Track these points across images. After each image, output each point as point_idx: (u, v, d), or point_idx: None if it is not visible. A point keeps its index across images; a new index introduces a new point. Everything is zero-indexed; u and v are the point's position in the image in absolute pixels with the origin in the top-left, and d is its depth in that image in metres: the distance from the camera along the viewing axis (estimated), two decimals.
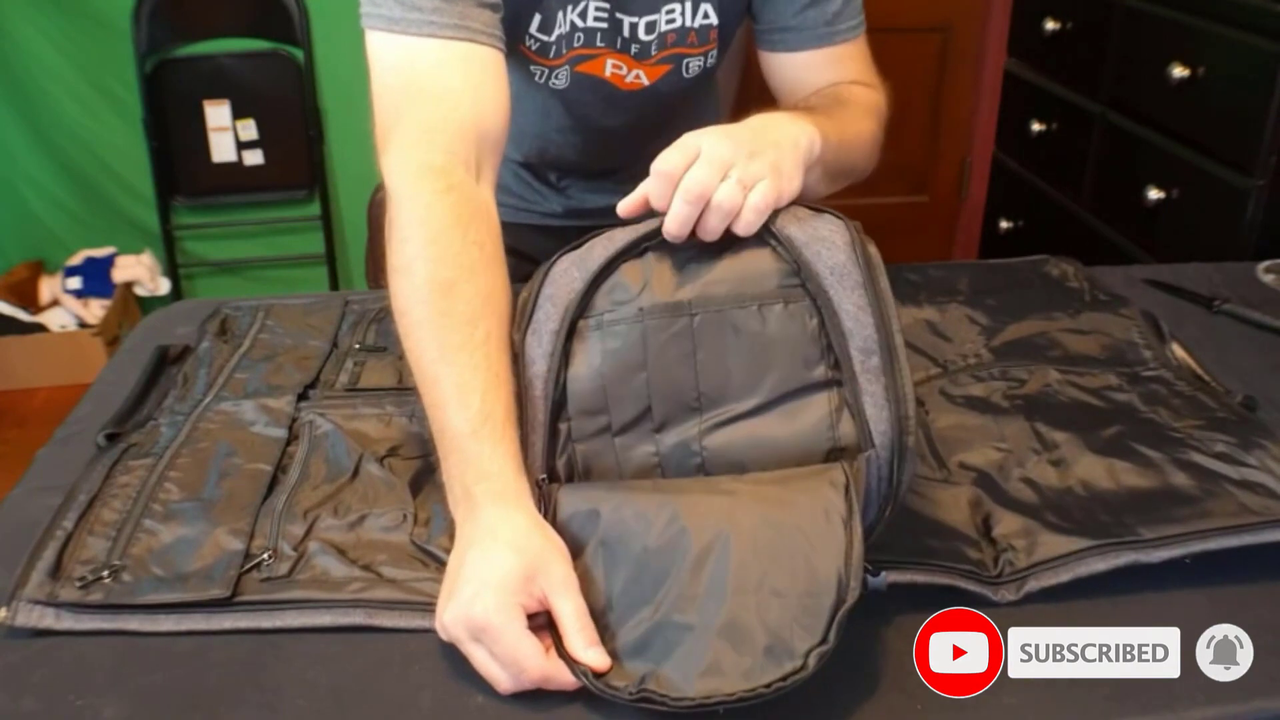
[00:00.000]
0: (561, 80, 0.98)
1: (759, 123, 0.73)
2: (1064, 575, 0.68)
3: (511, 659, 0.59)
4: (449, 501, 0.69)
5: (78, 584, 0.67)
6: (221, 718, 0.59)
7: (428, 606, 0.66)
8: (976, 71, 2.62)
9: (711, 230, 0.68)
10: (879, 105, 0.95)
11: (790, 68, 0.98)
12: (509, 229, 1.25)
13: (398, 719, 0.60)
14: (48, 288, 2.57)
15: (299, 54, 2.46)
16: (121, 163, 2.51)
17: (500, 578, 0.61)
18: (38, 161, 2.48)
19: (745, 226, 0.68)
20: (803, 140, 0.73)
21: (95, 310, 2.52)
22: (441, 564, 0.69)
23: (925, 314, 1.00)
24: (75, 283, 2.54)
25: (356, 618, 0.66)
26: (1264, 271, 1.18)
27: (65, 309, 2.53)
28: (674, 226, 0.68)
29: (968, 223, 2.75)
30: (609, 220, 1.28)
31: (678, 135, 0.79)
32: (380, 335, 0.98)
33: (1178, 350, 0.95)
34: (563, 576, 0.62)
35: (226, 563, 0.69)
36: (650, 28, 0.94)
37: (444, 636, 0.63)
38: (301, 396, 0.88)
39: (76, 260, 2.57)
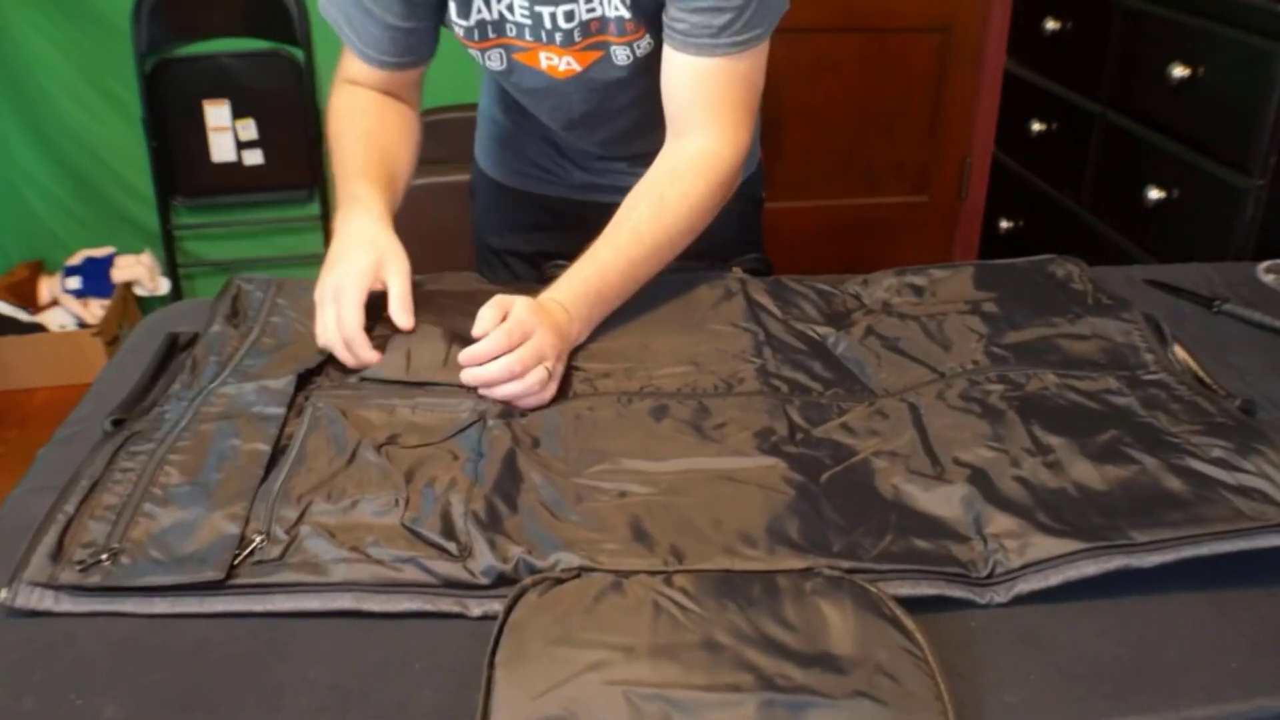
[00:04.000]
0: (496, 62, 1.05)
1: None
2: (1054, 578, 0.68)
3: (343, 317, 0.89)
4: (335, 224, 0.97)
5: (77, 566, 0.67)
6: (222, 717, 0.59)
7: (415, 589, 0.67)
8: (976, 71, 2.62)
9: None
10: (712, 172, 1.01)
11: (669, 62, 1.00)
12: (535, 200, 1.32)
13: (398, 718, 0.60)
14: (47, 288, 2.57)
15: (299, 54, 2.47)
16: (121, 163, 2.51)
17: (358, 264, 0.91)
18: (38, 161, 2.48)
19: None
20: (570, 336, 0.93)
21: (95, 310, 2.52)
22: (431, 544, 0.70)
23: (925, 322, 1.00)
24: (75, 283, 2.54)
25: (344, 602, 0.66)
26: (1264, 271, 1.18)
27: (65, 309, 2.53)
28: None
29: (968, 223, 2.75)
30: (621, 197, 1.28)
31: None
32: (388, 326, 0.98)
33: (1179, 353, 0.95)
34: (399, 267, 0.92)
35: (222, 546, 0.69)
36: (569, 16, 0.98)
37: (316, 298, 0.92)
38: (303, 378, 0.89)
39: (76, 260, 2.57)
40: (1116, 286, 1.09)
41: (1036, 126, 2.03)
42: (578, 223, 1.22)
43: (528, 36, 1.01)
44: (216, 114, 2.51)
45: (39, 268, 2.60)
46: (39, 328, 2.47)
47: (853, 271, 1.12)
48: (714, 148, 1.01)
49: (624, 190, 1.22)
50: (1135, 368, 0.92)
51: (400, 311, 0.91)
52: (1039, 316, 1.00)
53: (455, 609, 0.67)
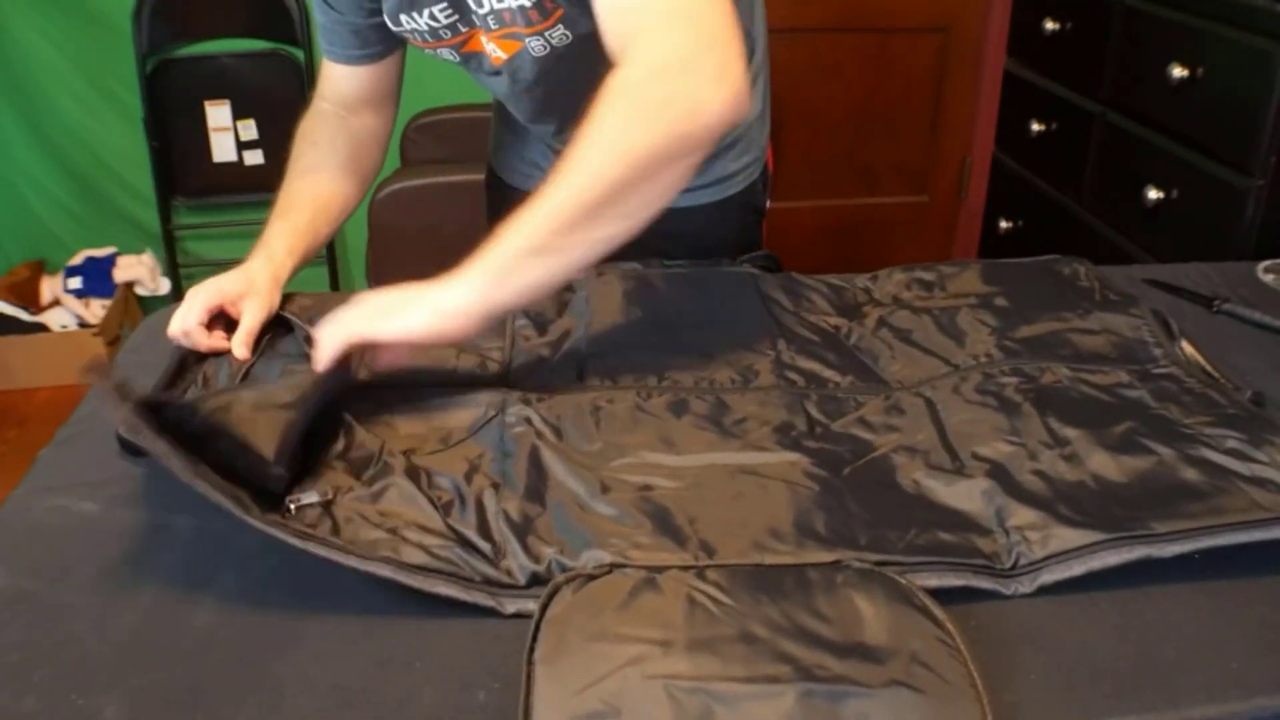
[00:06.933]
0: (449, 55, 1.06)
1: (415, 290, 0.82)
2: (1077, 568, 0.68)
3: (184, 313, 0.97)
4: None
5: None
6: (222, 717, 0.59)
7: (452, 576, 0.68)
8: (976, 71, 2.62)
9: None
10: (628, 88, 0.78)
11: None
12: None
13: (399, 717, 0.60)
14: (48, 288, 2.57)
15: (299, 54, 2.47)
16: (122, 163, 2.51)
17: (222, 282, 1.01)
18: (38, 161, 2.49)
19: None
20: (450, 302, 0.80)
21: (96, 310, 2.52)
22: (468, 543, 0.71)
23: (937, 315, 1.00)
24: (76, 283, 2.54)
25: (384, 571, 0.66)
26: (1264, 271, 1.18)
27: (66, 309, 2.54)
28: None
29: (968, 223, 2.75)
30: None
31: None
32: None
33: (1187, 348, 0.96)
34: (258, 304, 1.00)
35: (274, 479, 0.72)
36: (480, 1, 0.96)
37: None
38: None
39: (77, 260, 2.58)
40: (1117, 286, 1.09)
41: (1036, 126, 2.03)
42: None
43: (460, 27, 1.00)
44: (217, 114, 2.52)
45: (40, 268, 2.60)
46: (40, 328, 2.48)
47: (853, 272, 1.12)
48: (637, 56, 0.79)
49: None
50: (1145, 362, 0.92)
51: (240, 344, 0.96)
52: (1048, 311, 1.00)
53: (489, 603, 0.67)
